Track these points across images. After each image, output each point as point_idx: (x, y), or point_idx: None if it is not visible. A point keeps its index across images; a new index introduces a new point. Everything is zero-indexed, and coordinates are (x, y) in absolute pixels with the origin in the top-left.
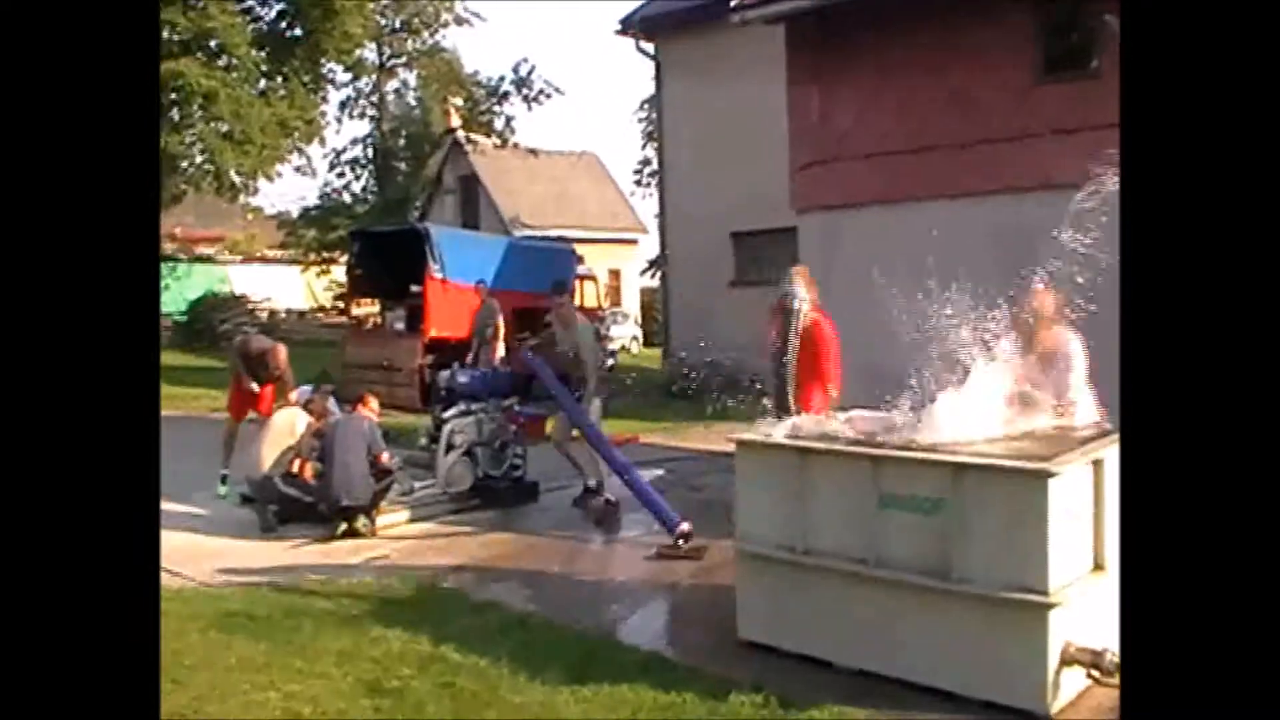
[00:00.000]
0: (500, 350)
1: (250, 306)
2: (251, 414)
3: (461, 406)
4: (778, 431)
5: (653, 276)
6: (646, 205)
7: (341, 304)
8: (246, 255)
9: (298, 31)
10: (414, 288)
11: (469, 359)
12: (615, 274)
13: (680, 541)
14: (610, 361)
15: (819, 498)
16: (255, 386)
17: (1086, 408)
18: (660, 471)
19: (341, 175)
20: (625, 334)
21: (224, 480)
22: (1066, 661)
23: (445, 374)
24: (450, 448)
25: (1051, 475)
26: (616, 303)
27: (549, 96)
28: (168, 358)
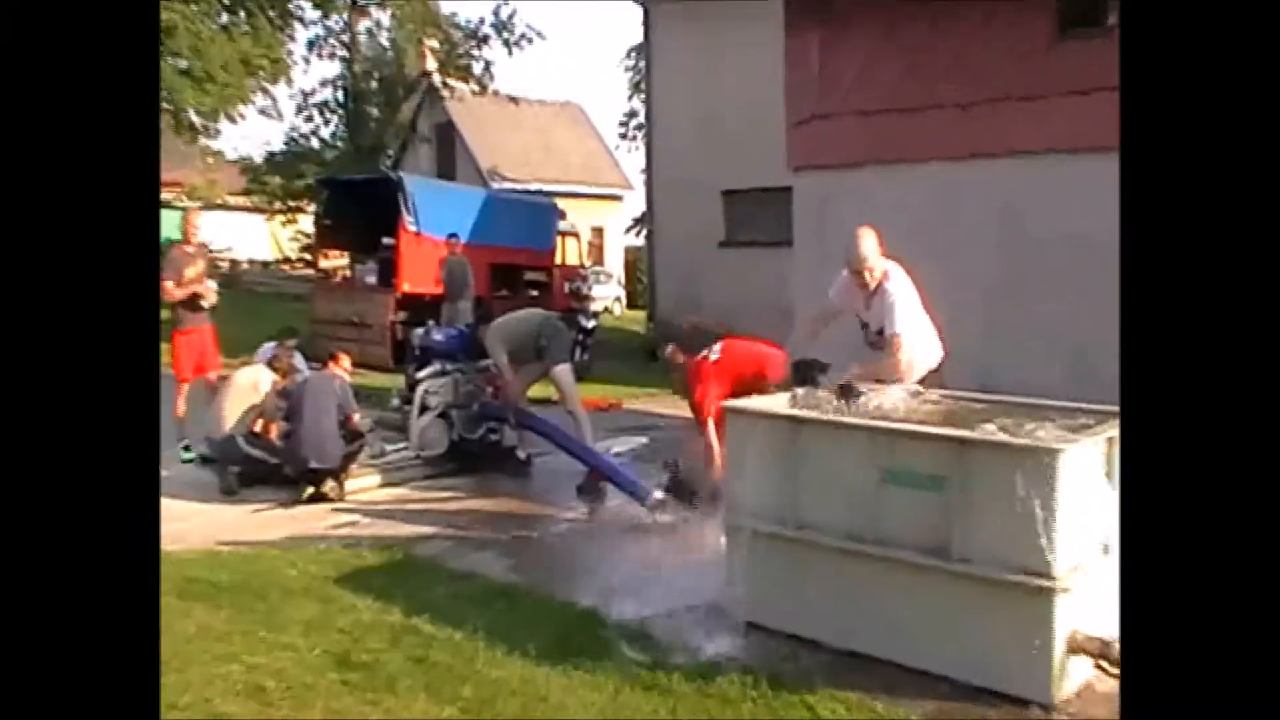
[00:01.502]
0: (469, 311)
1: (211, 256)
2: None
3: (436, 366)
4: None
5: (638, 235)
6: (632, 160)
7: (309, 256)
8: (206, 201)
9: None
10: (386, 240)
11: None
12: (598, 231)
13: (655, 514)
14: (591, 324)
15: (814, 471)
16: (174, 290)
17: (916, 342)
18: (644, 439)
19: (310, 119)
20: (608, 295)
21: (187, 449)
22: (1073, 650)
23: (419, 332)
24: (424, 409)
25: (1061, 453)
26: (599, 261)
27: (530, 41)
28: None
